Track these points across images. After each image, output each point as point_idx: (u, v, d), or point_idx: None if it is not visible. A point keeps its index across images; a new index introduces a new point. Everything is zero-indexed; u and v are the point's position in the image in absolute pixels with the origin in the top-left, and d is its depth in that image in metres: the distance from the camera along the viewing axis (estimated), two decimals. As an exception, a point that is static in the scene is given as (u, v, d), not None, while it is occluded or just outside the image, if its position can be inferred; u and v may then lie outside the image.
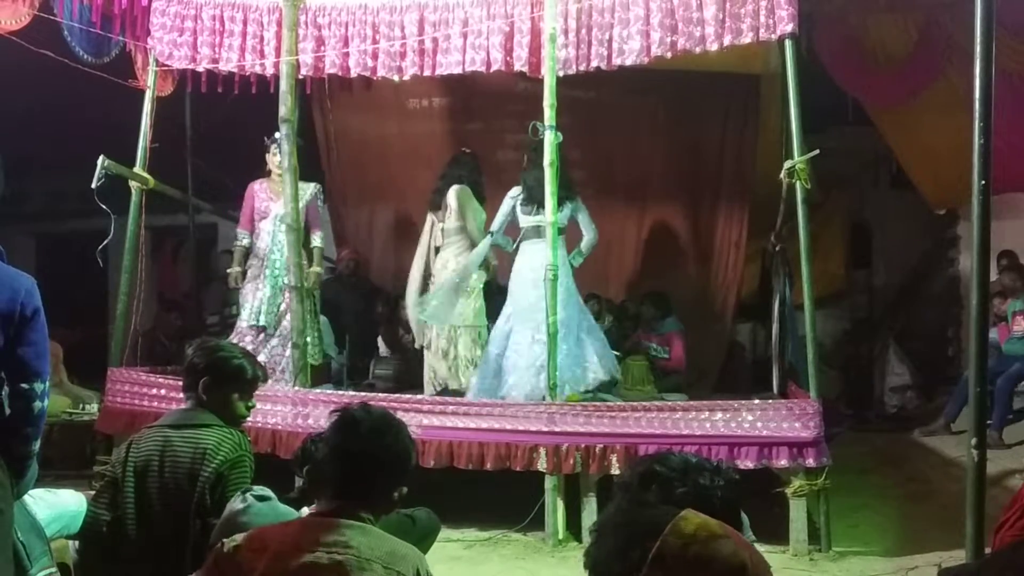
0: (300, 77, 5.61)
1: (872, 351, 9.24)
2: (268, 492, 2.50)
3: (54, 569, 2.53)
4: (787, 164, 4.86)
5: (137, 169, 5.69)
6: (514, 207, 5.78)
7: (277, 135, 5.57)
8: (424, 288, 6.11)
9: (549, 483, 4.77)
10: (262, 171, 6.07)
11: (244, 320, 5.89)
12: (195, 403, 2.79)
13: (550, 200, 5.04)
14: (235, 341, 5.70)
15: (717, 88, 7.27)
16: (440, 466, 4.82)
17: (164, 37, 5.62)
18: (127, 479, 2.65)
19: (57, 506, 2.80)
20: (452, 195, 5.88)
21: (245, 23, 5.54)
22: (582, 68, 5.16)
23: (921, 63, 6.05)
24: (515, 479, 4.81)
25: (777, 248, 6.12)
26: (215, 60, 5.58)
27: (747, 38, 4.85)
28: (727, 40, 4.86)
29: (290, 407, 5.14)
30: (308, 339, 5.59)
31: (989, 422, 5.83)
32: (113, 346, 5.80)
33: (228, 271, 6.19)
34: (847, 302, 9.56)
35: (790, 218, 5.33)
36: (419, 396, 5.49)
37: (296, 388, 5.28)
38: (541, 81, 5.09)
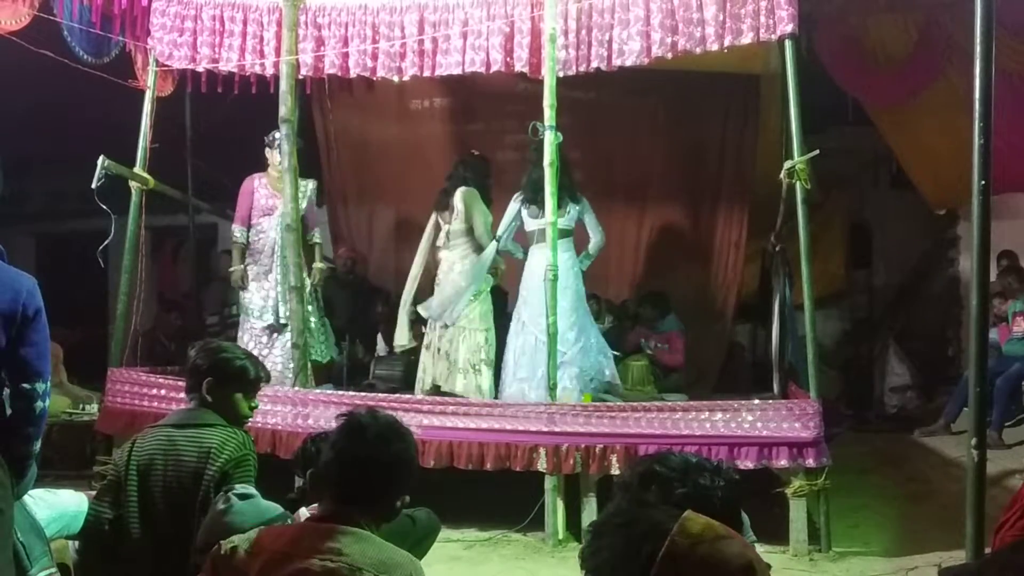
0: (300, 77, 5.61)
1: (872, 351, 9.24)
2: (250, 490, 2.50)
3: (54, 569, 2.53)
4: (787, 164, 4.86)
5: (137, 169, 5.69)
6: (519, 210, 5.78)
7: (277, 134, 5.56)
8: (427, 288, 6.09)
9: (549, 483, 4.77)
10: (261, 169, 6.06)
11: (256, 321, 5.83)
12: (198, 403, 2.79)
13: (550, 200, 5.04)
14: (245, 341, 5.70)
15: (717, 88, 7.27)
16: (440, 466, 4.82)
17: (164, 37, 5.62)
18: (130, 479, 2.65)
19: (57, 506, 2.80)
20: (459, 197, 5.86)
21: (245, 23, 5.54)
22: (582, 69, 5.16)
23: (921, 63, 6.05)
24: (515, 479, 4.82)
25: (777, 248, 6.11)
26: (215, 60, 5.58)
27: (747, 38, 4.85)
28: (727, 40, 4.87)
29: (290, 407, 5.14)
30: (320, 337, 5.59)
31: (989, 420, 5.85)
32: (113, 346, 5.81)
33: (231, 270, 6.09)
34: (847, 302, 9.55)
35: (790, 218, 5.33)
36: (419, 396, 5.49)
37: (296, 388, 5.28)
38: (541, 82, 5.09)
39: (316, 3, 5.44)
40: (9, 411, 2.23)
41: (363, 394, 5.67)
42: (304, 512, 2.44)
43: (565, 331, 5.45)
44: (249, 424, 2.94)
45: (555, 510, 4.76)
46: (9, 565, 2.28)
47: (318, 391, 5.39)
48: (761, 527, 2.22)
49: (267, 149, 5.90)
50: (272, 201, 5.87)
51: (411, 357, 6.88)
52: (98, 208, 5.25)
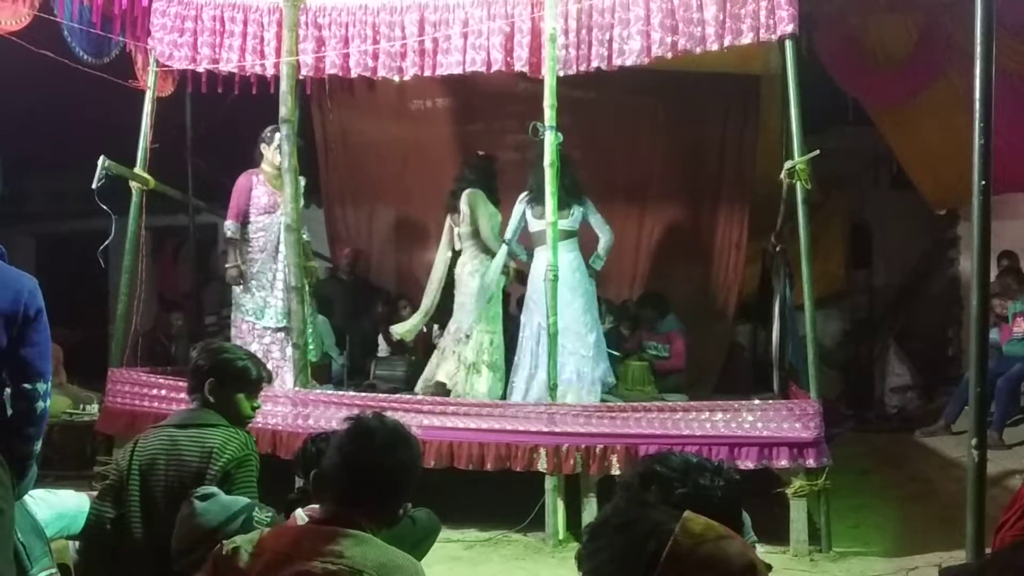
0: (300, 77, 5.60)
1: (872, 351, 9.25)
2: (211, 489, 2.51)
3: (54, 570, 2.53)
4: (787, 164, 4.86)
5: (137, 169, 5.69)
6: (524, 211, 5.77)
7: (277, 134, 5.54)
8: (444, 291, 6.09)
9: (549, 483, 4.77)
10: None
11: (270, 322, 5.74)
12: (200, 404, 2.80)
13: (550, 200, 5.04)
14: (251, 344, 5.58)
15: (717, 88, 7.26)
16: (440, 466, 4.82)
17: (164, 37, 5.62)
18: (132, 479, 2.65)
19: (57, 506, 2.80)
20: (464, 199, 5.86)
21: (245, 23, 5.54)
22: (582, 68, 5.16)
23: (921, 63, 6.05)
24: (515, 479, 4.82)
25: (777, 248, 6.12)
26: (215, 60, 5.58)
27: (747, 38, 4.85)
28: (727, 40, 4.87)
29: (291, 407, 5.14)
30: (310, 335, 5.56)
31: (990, 421, 5.85)
32: (113, 346, 5.80)
33: (227, 267, 5.91)
34: (847, 302, 9.56)
35: (790, 218, 5.33)
36: (419, 396, 5.49)
37: (296, 388, 5.28)
38: (541, 81, 5.09)
39: (316, 3, 5.44)
40: (10, 411, 2.23)
41: (363, 394, 5.67)
42: (300, 513, 2.44)
43: (585, 333, 5.46)
44: (249, 424, 2.94)
45: (555, 510, 4.76)
46: (10, 565, 2.28)
47: (318, 391, 5.39)
48: (761, 527, 2.22)
49: (262, 145, 5.82)
50: (272, 199, 5.79)
51: (411, 358, 6.90)
52: (98, 208, 5.25)
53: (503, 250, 5.75)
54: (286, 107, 5.36)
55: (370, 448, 1.93)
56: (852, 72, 6.19)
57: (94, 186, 5.28)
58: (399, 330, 6.21)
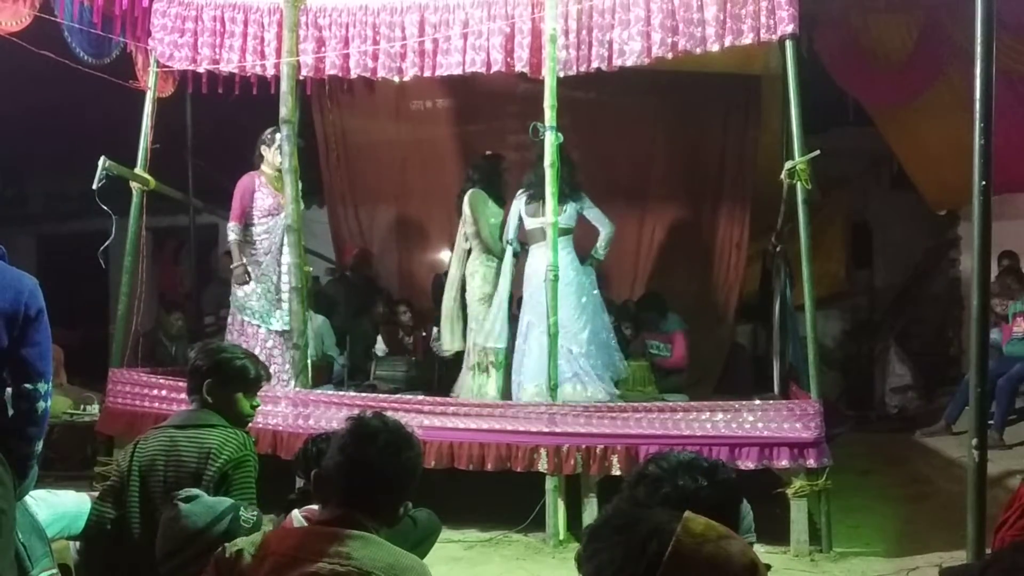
0: (301, 78, 5.60)
1: (873, 352, 9.24)
2: (194, 491, 2.51)
3: (55, 570, 2.53)
4: (788, 165, 4.85)
5: (138, 170, 5.68)
6: (520, 208, 5.77)
7: (278, 135, 5.54)
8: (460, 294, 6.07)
9: (550, 484, 4.77)
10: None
11: (277, 326, 5.70)
12: (200, 404, 2.80)
13: (551, 201, 5.04)
14: (254, 348, 5.49)
15: (718, 89, 7.26)
16: (441, 467, 4.82)
17: (165, 38, 5.62)
18: (132, 479, 2.66)
19: (58, 507, 2.80)
20: (465, 201, 5.87)
21: (246, 24, 5.54)
22: (583, 69, 5.15)
23: (922, 63, 6.05)
24: (516, 480, 4.82)
25: (778, 249, 6.12)
26: (216, 61, 5.58)
27: (748, 39, 4.84)
28: (728, 41, 4.86)
29: (291, 408, 5.14)
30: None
31: (990, 422, 5.85)
32: (114, 347, 5.80)
33: (233, 267, 5.83)
34: (848, 303, 9.56)
35: (791, 219, 5.33)
36: (420, 397, 5.49)
37: (297, 389, 5.28)
38: (541, 82, 5.09)
39: (317, 4, 5.44)
40: (11, 411, 2.23)
41: (364, 395, 5.67)
42: (297, 515, 2.44)
43: (577, 331, 5.45)
44: (249, 425, 2.94)
45: (556, 511, 4.76)
46: (12, 567, 2.28)
47: (318, 392, 5.39)
48: (762, 527, 2.21)
49: (263, 147, 5.79)
50: (275, 201, 5.76)
51: (412, 358, 6.90)
52: (99, 209, 5.25)
53: (509, 252, 5.75)
54: (286, 108, 5.36)
55: (373, 449, 1.93)
56: (853, 72, 6.19)
57: (95, 187, 5.28)
58: (451, 347, 6.13)
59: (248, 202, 5.81)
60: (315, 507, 2.51)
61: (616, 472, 4.63)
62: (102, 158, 5.34)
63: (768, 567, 1.30)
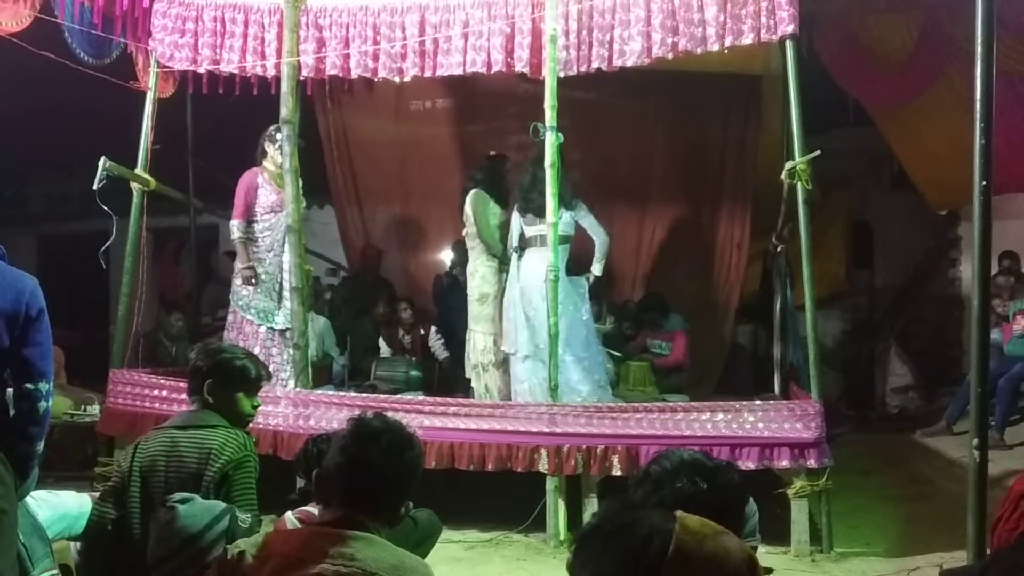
0: (301, 78, 5.60)
1: (873, 352, 9.24)
2: (185, 494, 2.50)
3: (56, 571, 2.53)
4: (788, 165, 4.85)
5: (138, 171, 5.68)
6: (518, 219, 5.75)
7: (279, 134, 5.53)
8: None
9: (550, 484, 4.77)
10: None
11: (279, 324, 5.68)
12: (200, 405, 2.80)
13: (551, 201, 5.03)
14: (254, 347, 5.51)
15: (718, 89, 7.26)
16: (441, 467, 4.82)
17: (165, 39, 5.62)
18: (133, 480, 2.66)
19: (59, 507, 2.80)
20: (467, 201, 5.87)
21: (246, 24, 5.54)
22: (583, 69, 5.16)
23: (922, 64, 6.05)
24: (516, 480, 4.82)
25: (778, 249, 6.11)
26: (216, 61, 5.58)
27: (748, 39, 4.84)
28: (728, 41, 4.86)
29: (291, 408, 5.14)
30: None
31: (991, 423, 5.85)
32: (115, 347, 5.80)
33: (241, 267, 5.75)
34: (848, 303, 9.55)
35: (791, 219, 5.33)
36: (420, 397, 5.49)
37: (297, 389, 5.28)
38: (542, 82, 5.09)
39: (317, 4, 5.44)
40: (12, 411, 2.24)
41: (364, 395, 5.67)
42: (290, 516, 2.44)
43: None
44: (250, 425, 2.94)
45: (556, 511, 4.76)
46: (13, 567, 2.28)
47: (319, 392, 5.39)
48: (763, 528, 2.22)
49: (267, 143, 5.77)
50: (277, 198, 5.72)
51: (412, 359, 6.90)
52: (99, 209, 5.25)
53: (515, 259, 5.74)
54: (287, 108, 5.36)
55: (374, 449, 1.93)
56: (853, 72, 6.19)
57: (95, 187, 5.27)
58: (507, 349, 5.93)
59: (252, 198, 5.77)
60: (308, 508, 2.51)
61: (617, 472, 4.63)
62: (102, 158, 5.34)
63: (770, 570, 1.31)
